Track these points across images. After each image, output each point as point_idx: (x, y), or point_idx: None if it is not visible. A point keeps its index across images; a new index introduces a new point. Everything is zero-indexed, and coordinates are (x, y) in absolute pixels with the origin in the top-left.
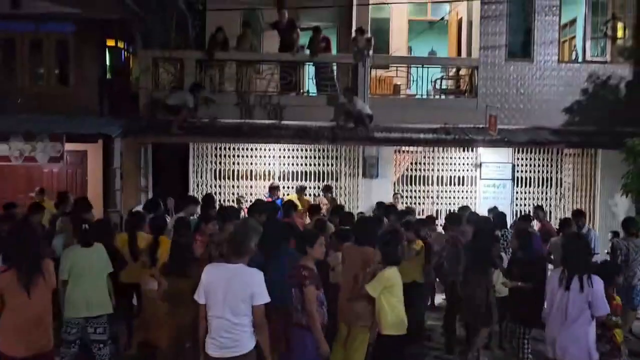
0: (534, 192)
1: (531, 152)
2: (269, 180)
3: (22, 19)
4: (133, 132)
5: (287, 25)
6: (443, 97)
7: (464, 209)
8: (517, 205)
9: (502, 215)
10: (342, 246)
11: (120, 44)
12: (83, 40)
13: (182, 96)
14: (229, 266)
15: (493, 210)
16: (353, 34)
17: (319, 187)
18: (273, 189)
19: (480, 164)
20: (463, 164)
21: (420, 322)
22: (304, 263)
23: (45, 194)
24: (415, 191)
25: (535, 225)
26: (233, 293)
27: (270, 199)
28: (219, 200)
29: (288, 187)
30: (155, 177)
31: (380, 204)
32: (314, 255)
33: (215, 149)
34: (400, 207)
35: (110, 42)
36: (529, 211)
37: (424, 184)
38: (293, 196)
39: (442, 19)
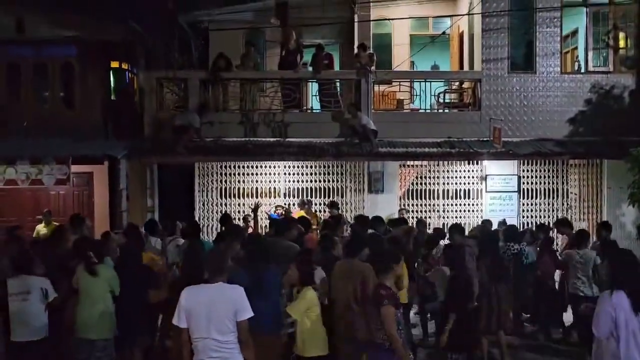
0: (540, 204)
1: (536, 164)
2: (274, 197)
3: (27, 44)
4: (138, 153)
5: (294, 51)
6: (447, 110)
7: (486, 222)
8: (523, 217)
9: (514, 229)
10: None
11: (124, 66)
12: (87, 63)
13: (188, 116)
14: (210, 286)
15: (503, 223)
16: (355, 50)
17: (324, 204)
18: (304, 204)
19: (486, 177)
20: (468, 177)
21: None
22: (382, 282)
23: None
24: (421, 205)
25: (561, 239)
26: (217, 312)
27: (286, 214)
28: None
29: (294, 205)
30: (162, 197)
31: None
32: (396, 273)
33: (221, 167)
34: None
35: (114, 64)
36: (536, 223)
37: (429, 198)
38: (300, 212)
39: (444, 33)
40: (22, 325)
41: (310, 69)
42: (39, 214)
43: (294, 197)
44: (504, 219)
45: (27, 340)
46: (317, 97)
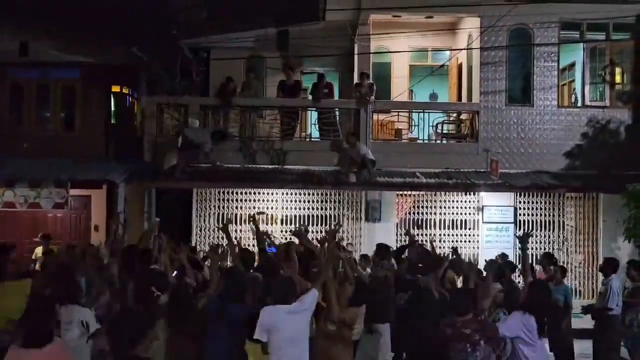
0: (536, 236)
1: (533, 196)
2: (271, 224)
3: (29, 66)
4: (137, 177)
5: (292, 87)
6: (444, 141)
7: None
8: (520, 248)
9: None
10: None
11: (126, 90)
12: (89, 86)
13: (201, 135)
14: (285, 307)
15: (501, 256)
16: (356, 79)
17: (321, 231)
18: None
19: (482, 208)
20: (465, 208)
21: None
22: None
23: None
24: (417, 235)
25: (540, 273)
26: (296, 327)
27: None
28: (221, 245)
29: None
30: (159, 222)
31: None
32: None
33: (219, 193)
34: None
35: (116, 88)
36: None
37: (426, 228)
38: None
39: (443, 65)
40: None
41: (310, 97)
42: (36, 236)
43: (291, 224)
44: (503, 253)
45: None
46: (317, 126)
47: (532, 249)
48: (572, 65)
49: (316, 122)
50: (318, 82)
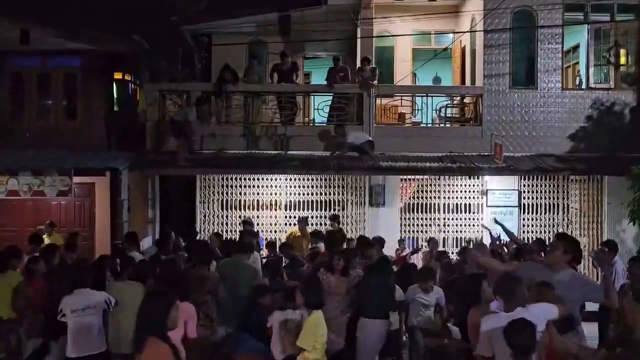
0: (541, 219)
1: (537, 179)
2: (275, 210)
3: (30, 55)
4: (140, 165)
5: (289, 70)
6: (448, 125)
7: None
8: (524, 232)
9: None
10: None
11: (128, 77)
12: (91, 74)
13: (185, 111)
14: (505, 314)
15: (498, 239)
16: (359, 64)
17: (325, 217)
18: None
19: (487, 191)
20: (469, 191)
21: None
22: None
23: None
24: (421, 219)
25: None
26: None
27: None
28: (226, 231)
29: (295, 217)
30: (163, 208)
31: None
32: None
33: (222, 179)
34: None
35: (118, 75)
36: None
37: (430, 212)
38: (293, 230)
39: (446, 49)
40: (84, 340)
41: (312, 82)
42: (40, 224)
43: (295, 209)
44: (499, 235)
45: (88, 355)
46: (324, 110)
47: (537, 232)
48: (577, 47)
49: (318, 108)
50: (333, 67)
